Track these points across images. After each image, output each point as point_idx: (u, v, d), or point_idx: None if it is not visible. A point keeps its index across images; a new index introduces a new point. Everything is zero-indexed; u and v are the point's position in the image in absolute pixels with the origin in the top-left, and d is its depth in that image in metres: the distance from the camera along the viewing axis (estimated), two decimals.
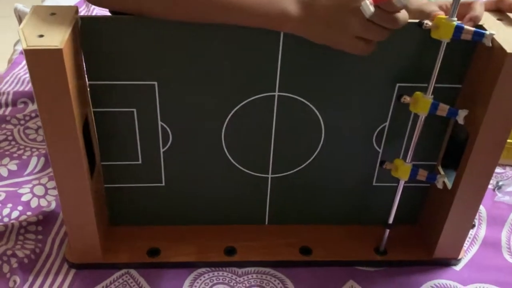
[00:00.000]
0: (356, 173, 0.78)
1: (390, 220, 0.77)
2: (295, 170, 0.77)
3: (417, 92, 0.68)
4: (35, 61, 0.57)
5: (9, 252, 0.77)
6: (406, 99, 0.69)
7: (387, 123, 0.74)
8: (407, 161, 0.72)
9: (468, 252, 0.83)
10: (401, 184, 0.74)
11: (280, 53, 0.66)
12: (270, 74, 0.68)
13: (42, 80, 0.58)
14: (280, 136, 0.74)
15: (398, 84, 0.70)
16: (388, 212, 0.77)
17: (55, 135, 0.63)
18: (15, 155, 0.97)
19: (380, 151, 0.76)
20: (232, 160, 0.75)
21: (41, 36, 0.57)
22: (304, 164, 0.77)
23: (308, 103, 0.72)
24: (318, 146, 0.75)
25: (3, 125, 1.05)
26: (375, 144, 0.76)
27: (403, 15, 0.57)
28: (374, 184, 0.80)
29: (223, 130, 0.72)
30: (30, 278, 0.75)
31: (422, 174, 0.73)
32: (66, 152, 0.64)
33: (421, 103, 0.67)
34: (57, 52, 0.56)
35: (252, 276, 0.77)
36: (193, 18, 0.60)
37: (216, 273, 0.77)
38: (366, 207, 0.83)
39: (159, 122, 0.71)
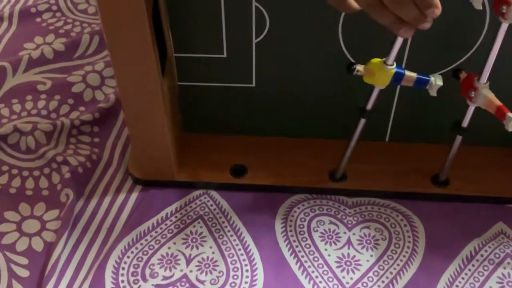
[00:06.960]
0: None
1: None
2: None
3: None
4: None
5: (59, 159, 0.74)
6: None
7: None
8: None
9: None
10: None
11: None
12: None
13: None
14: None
15: None
16: None
17: (114, 10, 0.56)
18: (61, 31, 0.92)
19: None
20: (351, 59, 0.68)
21: None
22: (448, 68, 0.68)
23: None
24: (472, 48, 0.65)
25: None
26: None
27: None
28: None
29: (342, 16, 0.64)
30: (86, 193, 0.73)
31: None
32: (128, 37, 0.58)
33: None
34: None
35: (366, 208, 0.71)
36: None
37: (318, 201, 0.72)
38: None
39: (253, 2, 0.65)
